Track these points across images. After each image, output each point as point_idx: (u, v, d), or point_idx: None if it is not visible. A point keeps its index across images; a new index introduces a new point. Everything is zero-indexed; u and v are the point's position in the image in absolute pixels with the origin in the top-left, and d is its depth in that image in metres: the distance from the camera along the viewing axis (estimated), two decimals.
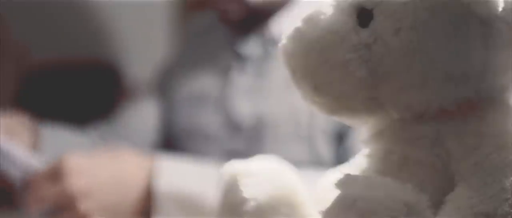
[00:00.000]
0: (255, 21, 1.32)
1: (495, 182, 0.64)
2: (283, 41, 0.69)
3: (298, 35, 0.68)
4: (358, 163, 0.72)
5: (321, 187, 0.74)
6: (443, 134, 0.67)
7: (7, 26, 1.85)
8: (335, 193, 0.62)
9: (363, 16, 0.67)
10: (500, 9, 0.66)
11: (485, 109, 0.68)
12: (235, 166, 0.73)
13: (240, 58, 1.34)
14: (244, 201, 0.70)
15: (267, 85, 1.31)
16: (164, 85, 1.47)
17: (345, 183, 0.62)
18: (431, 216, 0.63)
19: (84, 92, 1.74)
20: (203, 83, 1.39)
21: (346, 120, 0.71)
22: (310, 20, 0.68)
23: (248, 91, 1.32)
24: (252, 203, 0.70)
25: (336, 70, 0.67)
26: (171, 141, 1.43)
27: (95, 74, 1.79)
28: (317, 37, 0.67)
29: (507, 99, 0.69)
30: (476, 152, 0.66)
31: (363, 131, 0.71)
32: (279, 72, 1.29)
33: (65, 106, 1.70)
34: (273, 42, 1.30)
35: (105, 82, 1.78)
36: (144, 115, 1.48)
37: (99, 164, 1.22)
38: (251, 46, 1.33)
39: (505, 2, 0.66)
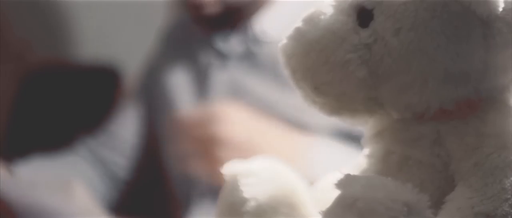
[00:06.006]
0: (231, 18, 1.31)
1: (495, 182, 0.64)
2: (283, 41, 0.69)
3: (298, 35, 0.68)
4: (358, 163, 0.72)
5: (321, 187, 0.74)
6: (443, 134, 0.67)
7: (9, 23, 1.85)
8: (335, 193, 0.62)
9: (363, 16, 0.67)
10: (500, 9, 0.66)
11: (485, 109, 0.68)
12: (235, 166, 0.72)
13: (220, 55, 1.33)
14: (244, 201, 0.70)
15: (248, 84, 1.31)
16: (146, 86, 1.46)
17: (346, 183, 0.62)
18: (431, 216, 0.63)
19: (82, 94, 1.74)
20: (182, 82, 1.38)
21: (346, 120, 0.71)
22: (310, 20, 0.68)
23: (228, 89, 1.32)
24: (252, 203, 0.70)
25: (336, 70, 0.67)
26: (154, 141, 1.43)
27: (93, 76, 1.79)
28: (317, 37, 0.67)
29: (507, 100, 0.69)
30: (476, 152, 0.66)
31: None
32: (261, 72, 1.29)
33: (64, 108, 1.70)
34: (256, 40, 1.30)
35: (103, 84, 1.78)
36: (128, 119, 1.47)
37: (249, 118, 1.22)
38: (231, 44, 1.33)
39: (505, 2, 0.66)
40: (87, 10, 1.93)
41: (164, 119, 1.40)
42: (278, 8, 1.31)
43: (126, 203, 1.45)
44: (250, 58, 1.31)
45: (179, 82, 1.39)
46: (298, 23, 0.69)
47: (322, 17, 0.68)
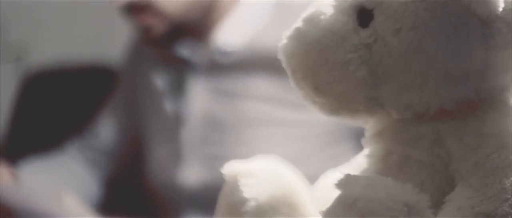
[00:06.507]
0: (183, 33, 1.30)
1: (495, 182, 0.64)
2: (283, 41, 0.69)
3: (298, 36, 0.68)
4: (359, 163, 0.72)
5: (321, 187, 0.74)
6: (443, 134, 0.67)
7: (8, 24, 1.85)
8: (335, 193, 0.62)
9: (364, 16, 0.67)
10: (500, 9, 0.66)
11: (485, 109, 0.68)
12: (235, 166, 0.72)
13: (188, 64, 1.32)
14: (244, 201, 0.70)
15: (217, 92, 1.30)
16: (126, 87, 1.46)
17: (346, 183, 0.62)
18: (431, 216, 0.63)
19: (81, 94, 1.74)
20: (161, 83, 1.38)
21: (346, 120, 0.71)
22: (310, 20, 0.68)
23: (203, 97, 1.31)
24: (252, 203, 0.70)
25: (337, 70, 0.67)
26: (136, 144, 1.42)
27: (92, 76, 1.79)
28: (317, 37, 0.67)
29: (507, 99, 0.69)
30: (476, 152, 0.66)
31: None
32: (227, 82, 1.28)
33: (63, 110, 1.70)
34: (220, 51, 1.29)
35: (102, 85, 1.78)
36: (110, 120, 1.47)
37: None
38: (196, 55, 1.31)
39: (505, 3, 0.66)
40: (86, 9, 1.93)
41: (148, 120, 1.39)
42: (239, 17, 1.29)
43: (116, 204, 1.44)
44: (215, 68, 1.30)
45: (158, 84, 1.38)
46: (298, 23, 0.69)
47: (322, 17, 0.68)
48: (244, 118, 1.28)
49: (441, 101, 0.66)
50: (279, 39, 1.29)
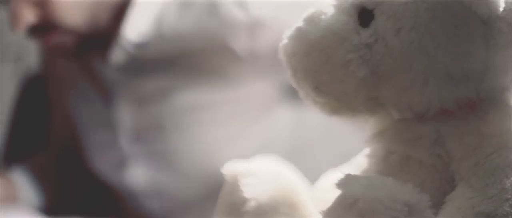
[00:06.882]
0: (92, 40, 1.27)
1: (495, 182, 0.64)
2: (284, 41, 0.69)
3: (299, 35, 0.68)
4: (359, 163, 0.72)
5: (322, 187, 0.74)
6: (444, 134, 0.67)
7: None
8: (336, 193, 0.62)
9: (364, 16, 0.67)
10: (501, 9, 0.66)
11: (485, 109, 0.68)
12: (236, 166, 0.72)
13: (110, 69, 1.31)
14: (244, 201, 0.70)
15: (142, 88, 1.29)
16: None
17: (346, 183, 0.63)
18: (431, 216, 0.63)
19: None
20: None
21: (347, 120, 0.71)
22: (311, 20, 0.68)
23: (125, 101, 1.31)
24: (252, 203, 0.70)
25: (337, 70, 0.67)
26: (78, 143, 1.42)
27: None
28: (318, 37, 0.67)
29: (507, 99, 0.69)
30: (476, 152, 0.66)
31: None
32: (149, 77, 1.28)
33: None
34: (133, 44, 1.28)
35: None
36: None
37: None
38: (112, 56, 1.29)
39: (506, 3, 0.66)
40: None
41: (85, 123, 1.39)
42: (141, 6, 1.27)
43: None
44: (135, 63, 1.28)
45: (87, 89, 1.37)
46: (299, 23, 0.69)
47: (323, 17, 0.68)
48: (175, 107, 1.27)
49: (442, 101, 0.66)
50: (185, 21, 1.28)
